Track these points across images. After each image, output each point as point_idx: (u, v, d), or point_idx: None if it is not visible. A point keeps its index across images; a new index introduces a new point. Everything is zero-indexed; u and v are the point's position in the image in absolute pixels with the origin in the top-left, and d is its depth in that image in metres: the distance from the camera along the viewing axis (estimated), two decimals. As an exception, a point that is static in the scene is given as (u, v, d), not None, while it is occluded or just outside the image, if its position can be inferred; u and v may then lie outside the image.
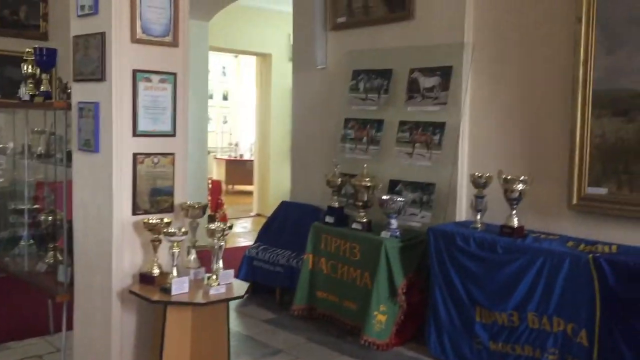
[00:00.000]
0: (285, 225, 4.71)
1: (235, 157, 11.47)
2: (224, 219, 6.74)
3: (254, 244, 4.78)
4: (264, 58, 8.27)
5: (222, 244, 2.40)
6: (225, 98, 12.51)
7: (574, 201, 3.28)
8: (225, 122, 12.60)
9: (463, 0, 3.74)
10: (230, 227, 2.42)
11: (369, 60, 4.27)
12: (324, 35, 4.63)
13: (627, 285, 2.71)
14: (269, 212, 7.85)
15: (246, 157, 11.14)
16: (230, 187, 10.85)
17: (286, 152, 8.41)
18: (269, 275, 4.46)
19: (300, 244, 4.23)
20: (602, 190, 3.18)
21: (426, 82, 3.89)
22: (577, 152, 3.24)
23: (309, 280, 4.05)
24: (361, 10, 4.37)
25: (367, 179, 3.85)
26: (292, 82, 5.00)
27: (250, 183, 9.25)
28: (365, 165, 3.93)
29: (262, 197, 8.50)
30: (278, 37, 8.00)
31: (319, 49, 4.63)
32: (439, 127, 3.80)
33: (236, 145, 12.10)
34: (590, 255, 2.84)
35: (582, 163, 3.24)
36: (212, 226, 2.36)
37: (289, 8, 5.11)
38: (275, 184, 8.23)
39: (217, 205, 7.36)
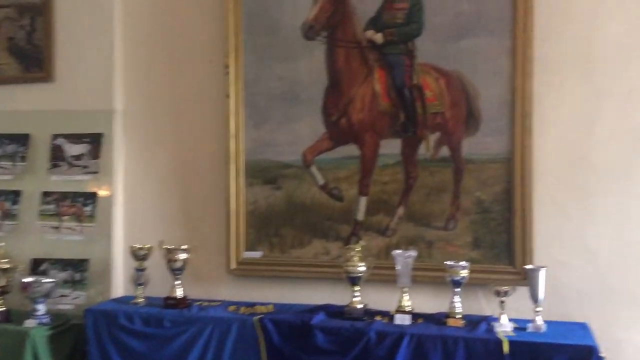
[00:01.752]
0: None
1: None
2: None
3: None
4: None
5: None
6: None
7: (233, 266, 3.42)
8: None
9: (111, 66, 3.61)
10: None
11: (0, 123, 3.74)
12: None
13: (289, 341, 2.92)
14: None
15: None
16: None
17: None
18: None
19: None
20: (257, 254, 3.41)
21: (73, 149, 3.60)
22: (233, 219, 3.40)
23: None
24: (-11, 67, 3.82)
25: (4, 260, 3.33)
26: None
27: None
28: (1, 244, 3.37)
29: None
30: None
31: None
32: (90, 197, 3.55)
33: None
34: (256, 318, 2.99)
35: (238, 229, 3.41)
36: None
37: None
38: None
39: None
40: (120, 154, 3.61)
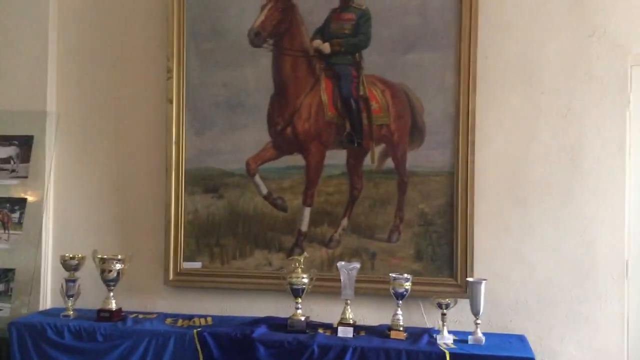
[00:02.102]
0: None
1: None
2: None
3: None
4: None
5: None
6: None
7: (171, 277, 3.32)
8: None
9: (44, 64, 3.45)
10: None
11: None
12: None
13: (230, 355, 2.84)
14: None
15: None
16: None
17: None
18: None
19: None
20: (197, 265, 3.31)
21: (1, 152, 3.41)
22: (172, 228, 3.30)
23: None
24: None
25: None
26: None
27: None
28: None
29: None
30: None
31: None
32: (18, 203, 3.37)
33: None
34: (195, 331, 2.88)
35: (177, 239, 3.31)
36: None
37: None
38: None
39: None
40: (52, 157, 3.44)
